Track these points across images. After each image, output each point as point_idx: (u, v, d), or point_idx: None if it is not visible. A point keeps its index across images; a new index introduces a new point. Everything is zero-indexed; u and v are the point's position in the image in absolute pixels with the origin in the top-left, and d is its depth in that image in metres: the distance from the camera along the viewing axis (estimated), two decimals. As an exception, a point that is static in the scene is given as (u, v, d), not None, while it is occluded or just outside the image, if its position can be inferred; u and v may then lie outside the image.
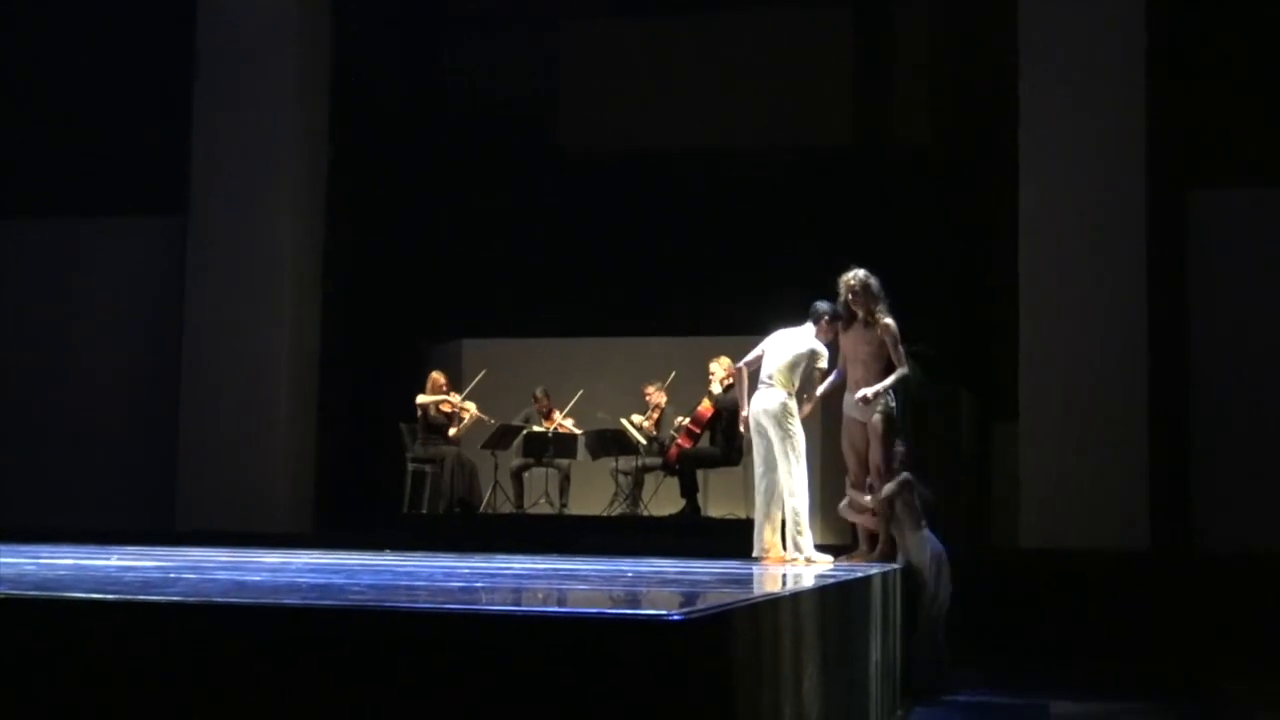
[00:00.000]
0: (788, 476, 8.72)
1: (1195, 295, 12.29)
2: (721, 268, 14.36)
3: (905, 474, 9.15)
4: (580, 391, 13.78)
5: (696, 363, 13.35)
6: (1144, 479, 11.74)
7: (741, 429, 9.30)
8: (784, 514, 8.79)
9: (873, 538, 9.30)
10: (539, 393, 13.86)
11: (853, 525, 9.72)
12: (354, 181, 14.42)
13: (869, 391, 8.96)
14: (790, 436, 8.74)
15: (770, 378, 8.88)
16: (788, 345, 8.89)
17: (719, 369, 12.89)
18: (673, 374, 13.58)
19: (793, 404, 8.81)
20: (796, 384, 8.85)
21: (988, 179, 13.27)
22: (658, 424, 13.54)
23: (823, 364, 8.90)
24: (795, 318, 9.12)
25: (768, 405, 8.81)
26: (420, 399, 13.54)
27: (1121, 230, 12.02)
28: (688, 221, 14.68)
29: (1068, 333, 12.02)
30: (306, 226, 14.09)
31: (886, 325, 9.00)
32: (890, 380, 9.01)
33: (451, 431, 13.55)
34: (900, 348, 9.02)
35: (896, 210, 13.94)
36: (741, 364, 9.15)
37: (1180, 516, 11.95)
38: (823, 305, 9.02)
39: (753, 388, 9.02)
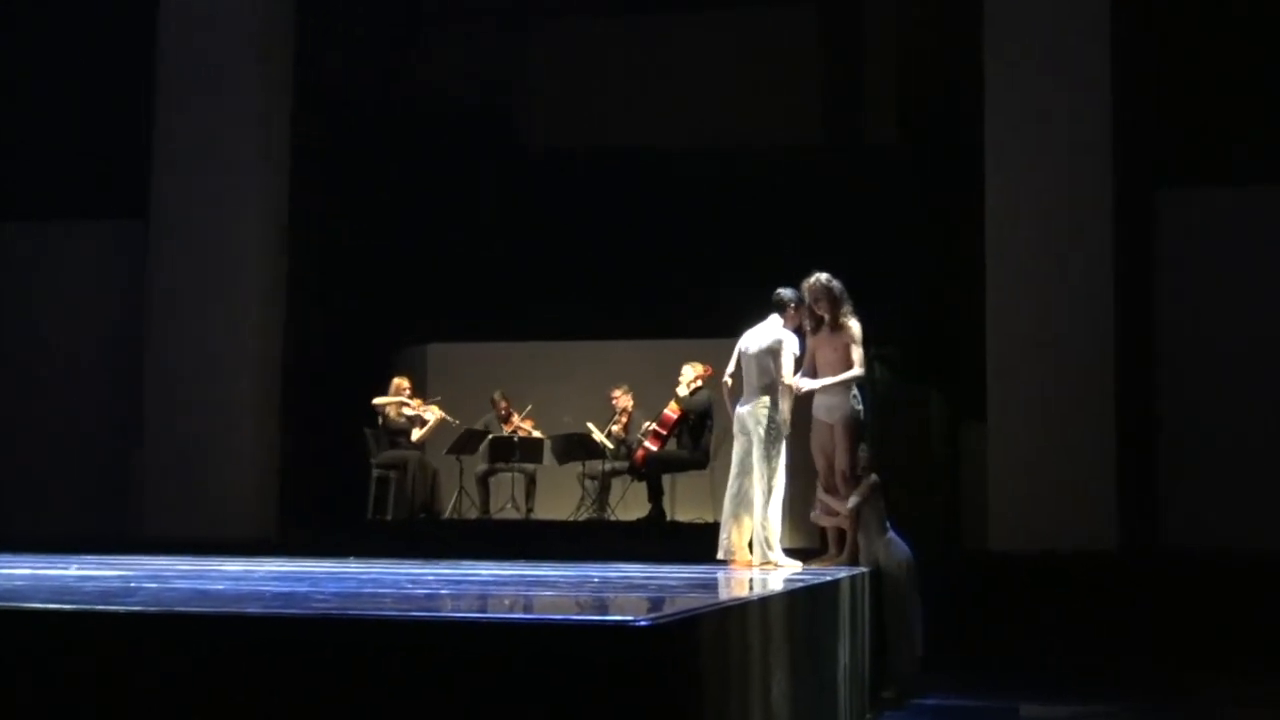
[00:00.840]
0: (761, 480, 8.69)
1: (1163, 295, 12.36)
2: (689, 270, 14.35)
3: (874, 478, 9.15)
4: (529, 406, 13.76)
5: (664, 366, 13.35)
6: (1112, 480, 11.79)
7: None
8: (752, 520, 8.76)
9: (841, 540, 9.31)
10: (497, 396, 13.84)
11: (823, 529, 9.73)
12: (318, 183, 14.35)
13: (804, 383, 8.90)
14: (770, 442, 8.69)
15: (753, 384, 8.86)
16: (758, 344, 8.87)
17: (690, 372, 12.89)
18: (628, 389, 13.55)
19: (776, 409, 8.75)
20: (778, 381, 8.80)
21: (955, 178, 13.30)
22: (626, 428, 13.53)
23: (794, 349, 8.85)
24: (763, 319, 9.09)
25: (751, 408, 8.79)
26: (376, 400, 13.49)
27: (1089, 229, 12.07)
28: (655, 223, 14.67)
29: (1036, 333, 12.06)
30: (270, 229, 14.02)
31: (849, 327, 9.01)
32: (840, 377, 8.98)
33: (415, 435, 13.51)
34: (859, 350, 9.01)
35: (865, 209, 13.97)
36: (726, 377, 9.09)
37: (1149, 517, 12.01)
38: (786, 292, 8.97)
39: (737, 396, 8.98)
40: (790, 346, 8.82)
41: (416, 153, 15.15)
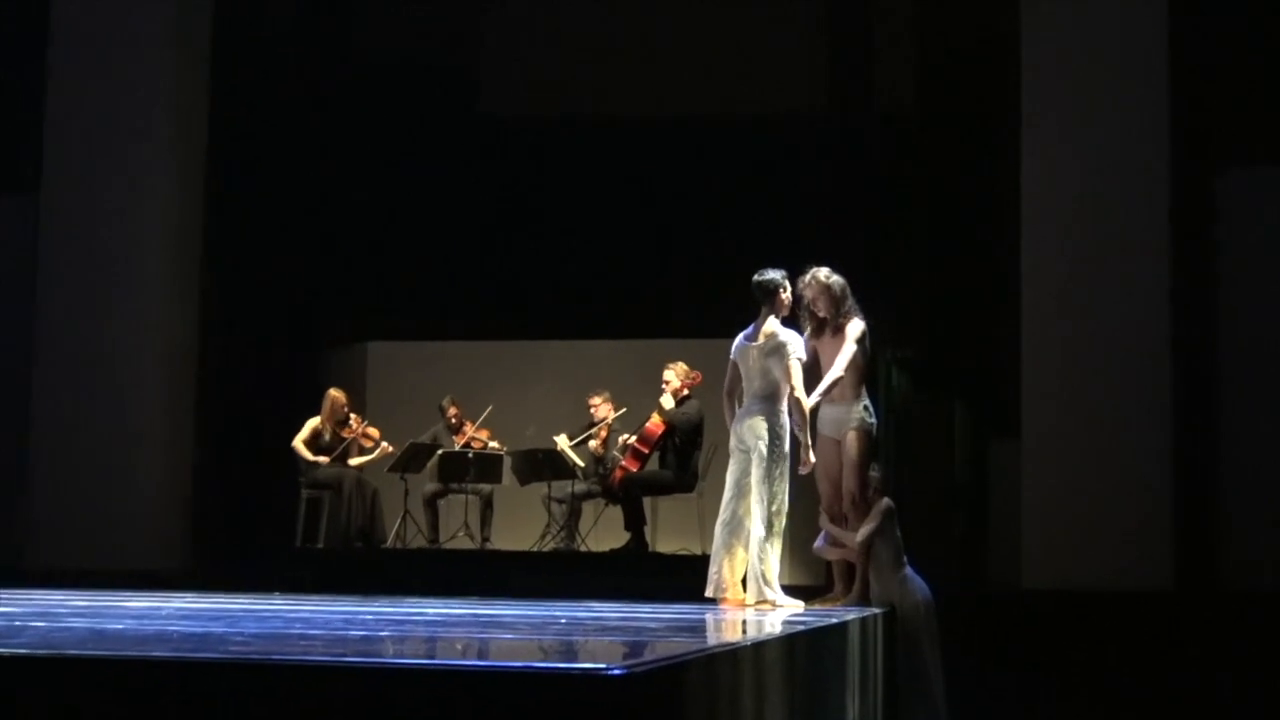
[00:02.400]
0: (759, 505, 8.68)
1: (1227, 290, 12.35)
2: (678, 258, 14.34)
3: (887, 503, 9.15)
4: (489, 408, 13.75)
5: (646, 371, 13.34)
6: (1168, 507, 11.80)
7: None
8: (747, 552, 8.76)
9: (850, 577, 9.32)
10: (446, 403, 13.84)
11: (828, 563, 9.73)
12: (240, 158, 14.31)
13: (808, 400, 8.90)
14: (773, 461, 8.69)
15: (753, 392, 8.84)
16: (755, 346, 8.85)
17: (674, 377, 12.87)
18: (609, 396, 13.52)
19: (783, 422, 8.75)
20: (784, 390, 8.79)
21: (986, 155, 13.32)
22: (605, 442, 13.51)
23: (801, 352, 8.79)
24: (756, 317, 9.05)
25: (753, 422, 8.76)
26: (297, 442, 13.42)
27: (1141, 214, 12.08)
28: (637, 203, 14.66)
29: (1078, 335, 12.07)
30: (183, 210, 13.98)
31: (852, 325, 9.01)
32: (824, 384, 8.96)
33: (353, 461, 13.51)
34: (852, 348, 8.99)
35: (878, 191, 13.97)
36: (724, 392, 9.08)
37: (1211, 550, 12.02)
38: (770, 274, 8.89)
39: (734, 410, 8.98)
40: (796, 348, 8.78)
41: (354, 122, 15.08)
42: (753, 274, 8.96)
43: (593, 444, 13.51)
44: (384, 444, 13.61)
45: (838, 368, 9.01)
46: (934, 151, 14.08)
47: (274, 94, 14.74)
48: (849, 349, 9.02)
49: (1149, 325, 12.02)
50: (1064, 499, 11.92)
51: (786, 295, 8.92)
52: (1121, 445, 11.90)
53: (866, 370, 9.36)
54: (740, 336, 8.96)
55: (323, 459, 13.41)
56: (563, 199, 14.87)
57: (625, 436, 13.23)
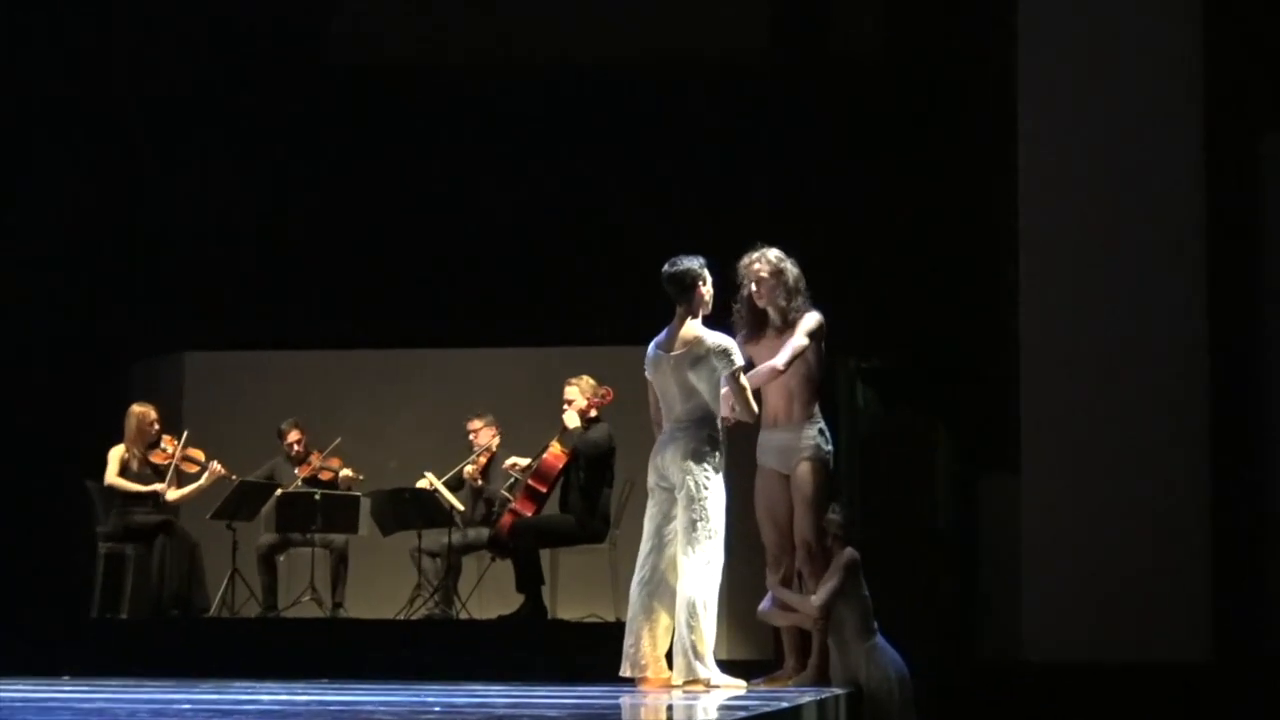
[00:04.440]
0: (687, 558, 8.66)
1: (1277, 282, 12.46)
2: (583, 241, 14.36)
3: (850, 552, 9.15)
4: (337, 441, 13.69)
5: (544, 387, 13.35)
6: (1205, 559, 11.89)
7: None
8: (673, 618, 8.74)
9: (804, 648, 9.33)
10: (286, 427, 13.76)
11: (776, 631, 9.73)
12: (20, 122, 14.24)
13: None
14: (702, 502, 8.65)
15: (678, 420, 8.79)
16: (674, 360, 8.83)
17: (578, 394, 12.82)
18: (493, 420, 13.48)
19: (714, 451, 8.71)
20: (717, 410, 8.77)
21: (974, 111, 13.40)
22: (485, 472, 13.46)
23: (738, 362, 8.72)
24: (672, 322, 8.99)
25: (677, 454, 8.73)
26: (110, 477, 13.28)
27: (1169, 187, 12.17)
28: (531, 170, 14.68)
29: (1092, 339, 12.14)
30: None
31: (806, 318, 9.00)
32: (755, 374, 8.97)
33: (171, 494, 13.37)
34: (802, 341, 8.97)
35: (836, 157, 14.02)
36: (653, 422, 9.00)
37: (1258, 614, 12.10)
38: (686, 264, 8.80)
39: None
40: (733, 357, 8.72)
41: (165, 73, 14.96)
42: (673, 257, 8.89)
43: (469, 469, 13.40)
44: (214, 464, 13.44)
45: (780, 360, 8.96)
46: (908, 106, 14.14)
47: (66, 46, 14.62)
48: (798, 341, 8.99)
49: (1180, 329, 12.11)
50: (1074, 549, 11.97)
51: (707, 289, 8.85)
52: (1146, 482, 11.96)
53: (821, 382, 9.33)
54: (651, 346, 8.93)
55: (158, 486, 13.24)
56: (437, 167, 14.82)
57: (512, 462, 13.13)
